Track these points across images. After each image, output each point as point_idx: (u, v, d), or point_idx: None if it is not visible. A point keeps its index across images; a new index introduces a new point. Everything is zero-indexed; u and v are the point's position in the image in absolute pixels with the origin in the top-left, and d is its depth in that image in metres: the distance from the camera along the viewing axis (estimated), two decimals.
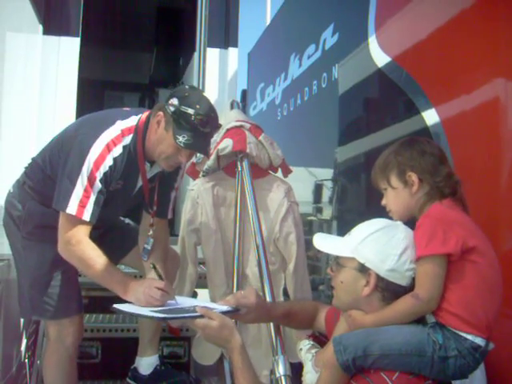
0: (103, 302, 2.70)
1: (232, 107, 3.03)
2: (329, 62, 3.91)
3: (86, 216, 2.27)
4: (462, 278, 1.53)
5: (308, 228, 4.09)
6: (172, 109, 2.28)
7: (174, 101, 2.29)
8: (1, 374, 2.79)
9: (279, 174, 2.96)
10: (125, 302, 2.25)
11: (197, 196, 2.80)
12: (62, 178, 2.31)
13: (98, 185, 2.28)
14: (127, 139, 2.35)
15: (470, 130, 2.27)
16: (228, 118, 2.90)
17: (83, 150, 2.27)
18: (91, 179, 2.25)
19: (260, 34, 6.25)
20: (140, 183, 2.50)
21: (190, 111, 2.26)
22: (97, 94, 5.93)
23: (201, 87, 3.91)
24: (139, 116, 2.43)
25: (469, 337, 1.51)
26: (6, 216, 2.58)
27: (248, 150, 2.69)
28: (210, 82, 3.88)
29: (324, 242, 1.79)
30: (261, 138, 2.78)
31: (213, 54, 3.91)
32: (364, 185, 3.42)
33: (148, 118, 2.40)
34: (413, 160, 1.67)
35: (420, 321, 1.59)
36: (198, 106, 2.27)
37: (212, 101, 3.49)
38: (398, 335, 1.54)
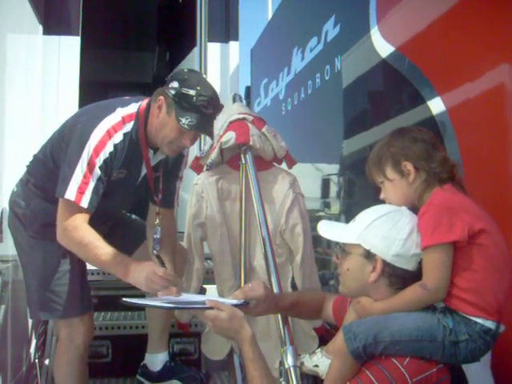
0: (112, 300, 2.70)
1: (234, 100, 3.02)
2: (331, 54, 3.88)
3: (84, 203, 2.26)
4: (470, 262, 1.52)
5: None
6: (173, 92, 2.28)
7: (175, 84, 2.29)
8: (11, 375, 2.78)
9: (284, 165, 2.94)
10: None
11: (201, 190, 2.78)
12: (62, 165, 2.31)
13: (98, 172, 2.27)
14: (128, 126, 2.35)
15: (476, 118, 2.24)
16: (230, 111, 2.88)
17: (83, 137, 2.27)
18: (91, 166, 2.25)
19: (262, 29, 6.27)
20: (144, 172, 2.50)
21: (192, 92, 2.25)
22: (100, 94, 5.94)
23: None
24: (139, 103, 2.42)
25: (479, 320, 1.50)
26: (11, 216, 2.58)
27: (251, 143, 2.68)
28: (212, 76, 3.88)
29: (329, 229, 1.79)
30: (264, 129, 2.76)
31: (214, 48, 3.91)
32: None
33: (148, 105, 2.40)
34: (406, 149, 1.67)
35: (429, 306, 1.57)
36: (198, 88, 2.26)
37: None
38: (408, 321, 1.54)
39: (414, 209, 1.68)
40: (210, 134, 2.46)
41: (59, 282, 2.50)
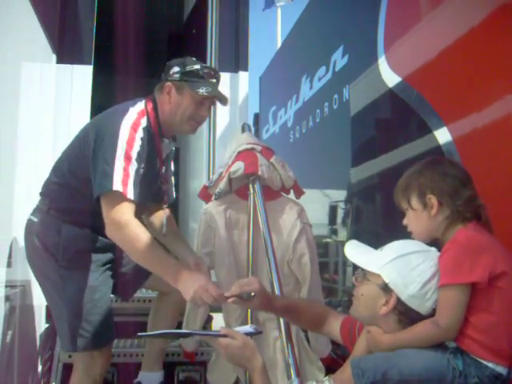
0: (118, 327, 2.70)
1: (243, 130, 3.05)
2: (339, 84, 3.92)
3: (130, 194, 2.25)
4: (487, 303, 1.49)
5: (323, 250, 4.07)
6: (177, 75, 2.44)
7: (175, 69, 2.46)
8: None
9: (291, 195, 2.95)
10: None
11: (209, 219, 2.80)
12: (96, 164, 2.29)
13: (135, 164, 2.31)
14: (144, 121, 2.41)
15: (483, 148, 2.24)
16: (239, 141, 2.91)
17: (113, 134, 2.30)
18: (128, 159, 2.29)
19: (271, 57, 6.33)
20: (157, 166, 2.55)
21: (197, 66, 2.44)
22: None
23: (212, 112, 3.96)
24: (143, 101, 2.50)
25: (490, 364, 1.47)
26: (33, 248, 2.51)
27: (260, 173, 2.70)
28: (222, 106, 3.90)
29: (355, 252, 1.77)
30: (272, 159, 2.79)
31: (223, 78, 3.95)
32: (379, 205, 3.41)
33: (153, 99, 2.49)
34: (434, 182, 1.65)
35: (440, 344, 1.55)
36: (198, 63, 2.47)
37: (223, 125, 3.53)
38: (418, 360, 1.51)
39: (437, 242, 1.68)
40: (225, 99, 2.56)
41: (93, 311, 2.47)
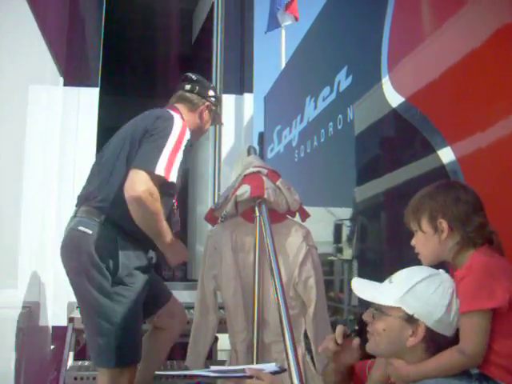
0: None
1: (249, 153, 3.07)
2: (344, 104, 3.94)
3: (173, 177, 2.51)
4: (509, 327, 1.49)
5: (329, 268, 4.08)
6: (213, 99, 2.98)
7: (211, 92, 3.00)
8: None
9: (297, 218, 2.96)
10: None
11: (215, 242, 2.81)
12: (147, 145, 2.53)
13: (181, 155, 2.58)
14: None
15: (486, 167, 2.25)
16: (245, 163, 2.93)
17: (167, 125, 2.59)
18: (176, 147, 2.55)
19: (275, 77, 6.36)
20: None
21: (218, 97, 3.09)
22: None
23: (217, 133, 4.00)
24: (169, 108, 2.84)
25: None
26: (90, 259, 2.47)
27: (266, 196, 2.71)
28: (226, 127, 3.93)
29: (364, 289, 1.76)
30: (278, 183, 2.79)
31: (228, 100, 3.97)
32: (383, 224, 3.42)
33: (179, 111, 2.84)
34: (445, 207, 1.65)
35: (464, 372, 1.54)
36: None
37: (228, 146, 3.57)
38: None
39: (444, 264, 1.68)
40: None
41: (135, 328, 2.55)
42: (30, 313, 3.03)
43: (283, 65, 7.93)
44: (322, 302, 2.80)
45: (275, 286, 2.50)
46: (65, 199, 3.64)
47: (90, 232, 2.49)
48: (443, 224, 1.64)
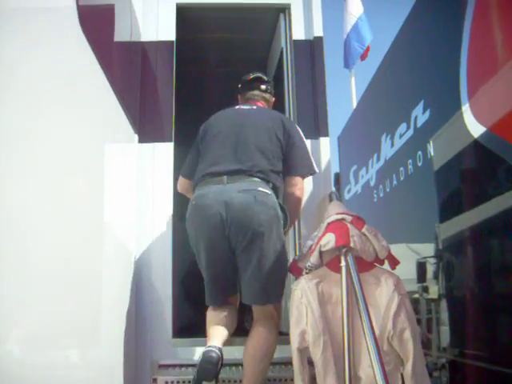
0: None
1: (331, 199, 2.98)
2: (422, 140, 3.85)
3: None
4: None
5: (414, 306, 3.93)
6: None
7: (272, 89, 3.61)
8: None
9: (385, 265, 2.81)
10: None
11: (301, 295, 2.69)
12: (305, 151, 3.30)
13: None
14: None
15: None
16: (328, 211, 2.84)
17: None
18: None
19: (347, 116, 6.34)
20: None
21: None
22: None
23: None
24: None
25: None
26: (276, 216, 3.00)
27: (352, 244, 2.60)
28: None
29: None
30: (364, 229, 2.67)
31: None
32: (472, 260, 3.30)
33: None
34: None
35: None
36: None
37: (307, 194, 3.51)
38: None
39: None
40: None
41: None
42: (112, 374, 3.00)
43: (354, 103, 7.89)
44: (419, 355, 2.61)
45: (367, 339, 2.37)
46: (144, 256, 3.65)
47: (269, 192, 3.01)
48: None
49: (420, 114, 3.96)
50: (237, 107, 3.45)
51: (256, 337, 2.96)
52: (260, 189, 2.97)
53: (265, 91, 3.51)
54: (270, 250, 2.91)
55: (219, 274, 3.03)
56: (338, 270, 2.65)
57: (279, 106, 3.84)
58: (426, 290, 3.94)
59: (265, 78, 3.54)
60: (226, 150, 3.15)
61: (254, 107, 3.41)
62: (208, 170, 3.09)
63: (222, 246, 2.95)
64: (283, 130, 3.21)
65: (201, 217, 2.98)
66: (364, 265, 2.68)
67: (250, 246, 2.91)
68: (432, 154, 3.70)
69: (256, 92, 3.49)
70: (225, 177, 3.01)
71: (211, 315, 3.06)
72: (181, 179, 3.45)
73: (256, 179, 3.02)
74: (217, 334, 2.93)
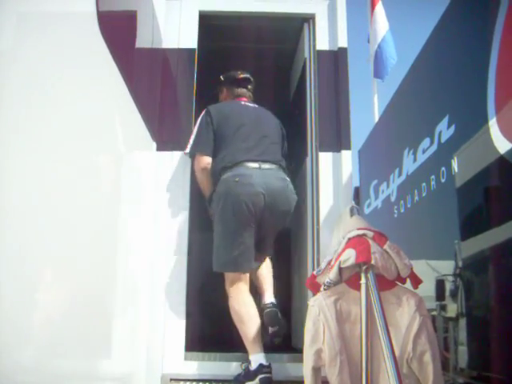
0: None
1: (352, 214, 2.90)
2: (447, 156, 3.76)
3: None
4: None
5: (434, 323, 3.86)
6: None
7: None
8: None
9: (407, 284, 2.72)
10: None
11: (318, 313, 2.60)
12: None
13: None
14: None
15: None
16: (348, 225, 2.76)
17: None
18: None
19: (368, 130, 6.25)
20: None
21: None
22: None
23: (315, 192, 3.88)
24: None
25: None
26: (293, 202, 3.71)
27: (373, 261, 2.51)
28: (324, 186, 3.82)
29: None
30: (386, 246, 2.59)
31: (325, 158, 3.87)
32: (493, 279, 3.18)
33: None
34: None
35: None
36: None
37: (327, 208, 3.45)
38: None
39: None
40: None
41: None
42: None
43: (376, 116, 7.81)
44: (439, 379, 2.51)
45: (387, 361, 2.29)
46: (159, 266, 3.60)
47: (288, 179, 3.73)
48: None
49: (444, 129, 3.87)
50: (242, 103, 4.05)
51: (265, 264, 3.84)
52: (288, 179, 3.67)
53: (250, 90, 4.18)
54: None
55: (248, 240, 3.55)
56: (357, 287, 2.57)
57: (301, 116, 3.80)
58: (444, 308, 3.81)
59: (251, 78, 4.21)
60: (253, 142, 3.70)
61: (255, 105, 4.06)
62: (243, 155, 3.61)
63: (254, 219, 3.52)
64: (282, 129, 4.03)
65: (245, 192, 3.49)
66: (385, 283, 2.60)
67: (275, 224, 3.69)
68: (456, 169, 3.61)
69: (245, 90, 4.15)
70: (261, 163, 3.60)
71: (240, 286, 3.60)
72: (202, 156, 3.72)
73: (281, 170, 3.68)
74: (255, 333, 3.43)
